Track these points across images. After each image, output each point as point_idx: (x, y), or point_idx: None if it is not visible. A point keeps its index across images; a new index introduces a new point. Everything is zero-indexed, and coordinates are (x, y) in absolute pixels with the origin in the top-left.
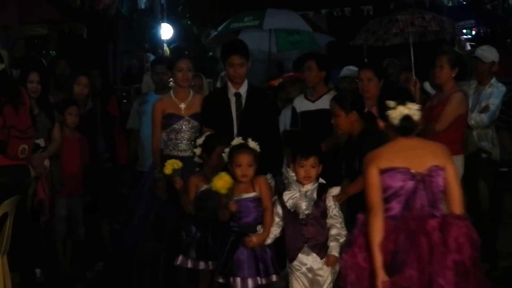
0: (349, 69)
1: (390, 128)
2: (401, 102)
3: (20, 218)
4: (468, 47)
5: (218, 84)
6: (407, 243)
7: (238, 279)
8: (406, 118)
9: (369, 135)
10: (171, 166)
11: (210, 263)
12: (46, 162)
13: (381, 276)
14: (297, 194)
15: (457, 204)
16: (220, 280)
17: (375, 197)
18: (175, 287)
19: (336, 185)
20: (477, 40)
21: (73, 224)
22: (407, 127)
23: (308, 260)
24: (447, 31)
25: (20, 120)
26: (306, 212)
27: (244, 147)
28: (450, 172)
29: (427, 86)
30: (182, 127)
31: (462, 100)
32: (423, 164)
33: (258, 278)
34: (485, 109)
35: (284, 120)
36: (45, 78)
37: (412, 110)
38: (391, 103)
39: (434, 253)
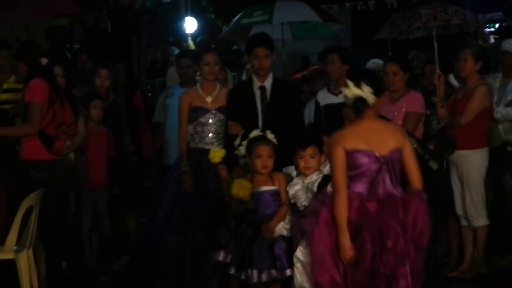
0: (374, 62)
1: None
2: (357, 83)
3: (47, 212)
4: (492, 40)
5: (244, 77)
6: (369, 221)
7: (255, 272)
8: (358, 99)
9: None
10: (219, 154)
11: None
12: (71, 155)
13: (348, 251)
14: (299, 186)
15: (415, 180)
16: (232, 272)
17: (340, 176)
18: (200, 281)
19: None
20: (500, 33)
21: (99, 217)
22: (358, 107)
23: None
24: (470, 24)
25: (66, 116)
26: (304, 203)
27: (263, 138)
28: (408, 151)
29: (452, 79)
30: (209, 120)
31: (486, 93)
32: (386, 147)
33: (273, 271)
34: (511, 103)
35: (309, 114)
36: (69, 72)
37: (365, 92)
38: (349, 83)
39: (395, 230)
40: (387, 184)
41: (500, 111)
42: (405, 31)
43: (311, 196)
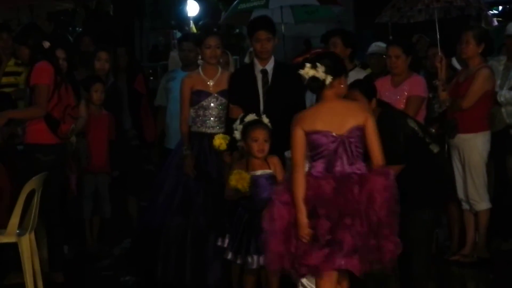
0: (377, 45)
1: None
2: (313, 64)
3: (49, 196)
4: (495, 23)
5: (246, 60)
6: (325, 199)
7: (255, 257)
8: (313, 79)
9: (385, 118)
10: (225, 141)
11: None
12: (73, 139)
13: (305, 228)
14: None
15: (377, 157)
16: (229, 257)
17: (299, 155)
18: (201, 264)
19: None
20: (504, 16)
21: (100, 201)
22: (313, 86)
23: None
24: (472, 5)
25: (70, 99)
26: None
27: (259, 122)
28: (370, 128)
29: (454, 62)
30: (210, 104)
31: (488, 76)
32: (344, 126)
33: None
34: None
35: (311, 97)
36: (71, 55)
37: (319, 73)
38: (306, 64)
39: (351, 208)
40: (344, 163)
41: (504, 95)
42: (405, 15)
43: None
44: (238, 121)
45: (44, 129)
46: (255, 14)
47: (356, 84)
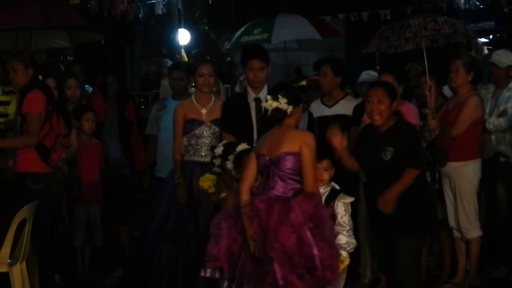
0: (368, 74)
1: None
2: (275, 96)
3: (40, 224)
4: (486, 51)
5: (237, 89)
6: (256, 216)
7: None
8: (276, 110)
9: (404, 124)
10: (212, 183)
11: None
12: (64, 168)
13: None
14: None
15: (308, 183)
16: (224, 287)
17: (247, 172)
18: None
19: (352, 189)
20: (494, 44)
21: (91, 229)
22: (276, 116)
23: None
24: (460, 33)
25: (61, 128)
26: None
27: (251, 151)
28: (304, 156)
29: (446, 90)
30: (203, 132)
31: (478, 104)
32: (277, 151)
33: None
34: (503, 114)
35: (303, 125)
36: (62, 84)
37: (282, 104)
38: (268, 97)
39: (272, 227)
40: (274, 184)
41: (492, 122)
42: (393, 44)
43: None
44: (220, 147)
45: (35, 158)
46: None
47: (380, 84)
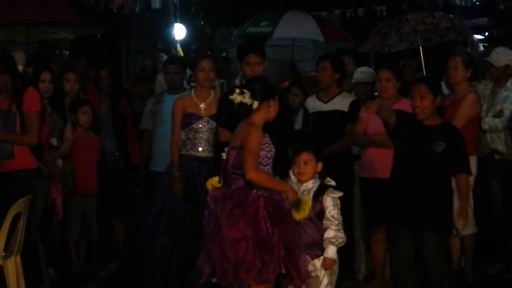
0: (362, 72)
1: None
2: (241, 91)
3: (34, 218)
4: (481, 48)
5: (237, 82)
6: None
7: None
8: (240, 104)
9: (457, 133)
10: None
11: None
12: (59, 162)
13: None
14: None
15: (243, 170)
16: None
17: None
18: (187, 285)
19: (347, 185)
20: (490, 41)
21: (87, 223)
22: (241, 111)
23: None
24: (457, 27)
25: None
26: None
27: None
28: (242, 146)
29: (443, 87)
30: (201, 127)
31: (475, 101)
32: (232, 144)
33: None
34: (499, 114)
35: (300, 120)
36: (58, 78)
37: (246, 98)
38: (235, 90)
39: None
40: (226, 179)
41: (488, 122)
42: (387, 44)
43: None
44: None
45: (29, 155)
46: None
47: (423, 80)
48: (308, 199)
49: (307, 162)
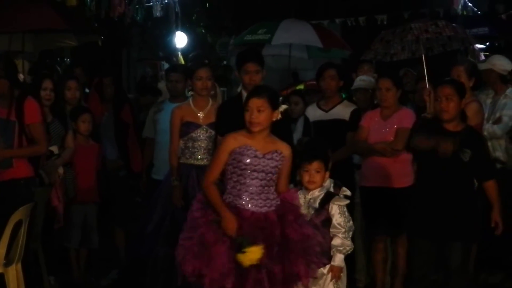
0: (362, 80)
1: None
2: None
3: (35, 226)
4: (482, 57)
5: (239, 90)
6: None
7: None
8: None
9: (481, 139)
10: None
11: None
12: (60, 169)
13: None
14: (301, 201)
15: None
16: None
17: None
18: None
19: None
20: (491, 51)
21: (88, 231)
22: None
23: None
24: (459, 36)
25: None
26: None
27: None
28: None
29: None
30: (200, 135)
31: (477, 110)
32: None
33: None
34: (498, 121)
35: (300, 128)
36: (59, 86)
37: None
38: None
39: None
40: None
41: (488, 129)
42: (389, 53)
43: (312, 212)
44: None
45: (27, 163)
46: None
47: (448, 82)
48: (257, 249)
49: (318, 171)
